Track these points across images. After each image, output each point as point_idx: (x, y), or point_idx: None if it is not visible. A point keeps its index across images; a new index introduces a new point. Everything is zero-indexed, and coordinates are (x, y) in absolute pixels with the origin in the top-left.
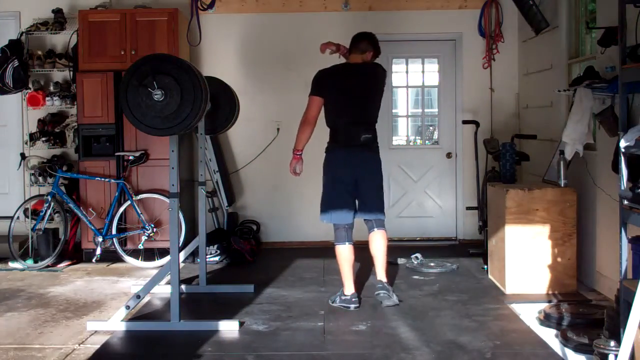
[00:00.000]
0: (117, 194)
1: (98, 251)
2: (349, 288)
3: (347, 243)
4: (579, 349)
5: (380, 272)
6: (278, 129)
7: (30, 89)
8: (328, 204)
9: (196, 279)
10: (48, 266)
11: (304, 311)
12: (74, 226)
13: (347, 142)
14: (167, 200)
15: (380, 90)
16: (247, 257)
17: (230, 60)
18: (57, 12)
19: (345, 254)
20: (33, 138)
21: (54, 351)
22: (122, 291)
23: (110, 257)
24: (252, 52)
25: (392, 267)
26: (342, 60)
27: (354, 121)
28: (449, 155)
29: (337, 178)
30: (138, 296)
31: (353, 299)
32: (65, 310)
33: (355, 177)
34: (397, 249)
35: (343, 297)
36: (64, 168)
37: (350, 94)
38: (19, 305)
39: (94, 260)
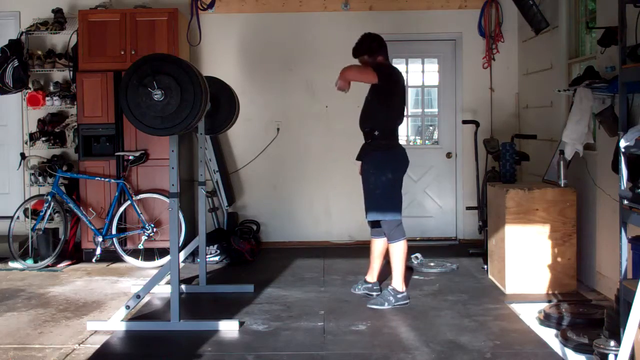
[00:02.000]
0: (117, 193)
1: (98, 251)
2: (404, 284)
3: None
4: (579, 349)
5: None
6: (278, 129)
7: (30, 88)
8: (397, 200)
9: (196, 279)
10: (48, 266)
11: (304, 311)
12: (74, 226)
13: (399, 140)
14: (167, 200)
15: None
16: (247, 257)
17: (230, 60)
18: (57, 12)
19: (406, 248)
20: (33, 138)
21: (54, 351)
22: (122, 291)
23: (110, 257)
24: (252, 52)
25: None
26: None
27: (400, 123)
28: (449, 155)
29: (401, 176)
30: (138, 296)
31: (407, 295)
32: (65, 310)
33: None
34: None
35: (400, 295)
36: (64, 168)
37: (405, 98)
38: (19, 305)
39: (94, 260)
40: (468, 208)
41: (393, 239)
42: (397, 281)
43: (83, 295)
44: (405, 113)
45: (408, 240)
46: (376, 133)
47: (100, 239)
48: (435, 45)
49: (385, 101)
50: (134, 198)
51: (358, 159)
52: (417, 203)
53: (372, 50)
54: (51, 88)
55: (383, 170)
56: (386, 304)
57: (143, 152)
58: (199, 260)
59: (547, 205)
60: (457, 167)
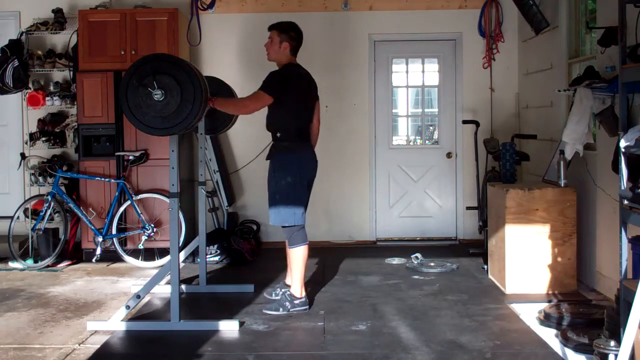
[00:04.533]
0: (117, 193)
1: (98, 251)
2: (303, 290)
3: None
4: (579, 349)
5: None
6: None
7: (30, 88)
8: (296, 205)
9: (196, 279)
10: (48, 266)
11: (304, 311)
12: (74, 226)
13: (307, 142)
14: (167, 200)
15: None
16: (247, 257)
17: (230, 60)
18: (57, 12)
19: (307, 253)
20: (33, 138)
21: (54, 351)
22: (122, 291)
23: (110, 257)
24: (252, 52)
25: (390, 266)
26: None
27: (308, 123)
28: (449, 155)
29: (306, 178)
30: (138, 296)
31: (306, 301)
32: (65, 310)
33: (313, 177)
34: (397, 248)
35: (297, 301)
36: (64, 168)
37: (309, 95)
38: (19, 305)
39: (94, 260)
40: (468, 208)
41: (293, 243)
42: (296, 287)
43: (83, 295)
44: (308, 112)
45: (408, 240)
46: (278, 135)
47: (100, 239)
48: (435, 45)
49: (281, 104)
50: (134, 198)
51: (267, 159)
52: (417, 203)
53: (285, 34)
54: (51, 88)
55: (283, 173)
56: (281, 309)
57: (143, 152)
58: (199, 260)
59: (547, 205)
60: (457, 167)
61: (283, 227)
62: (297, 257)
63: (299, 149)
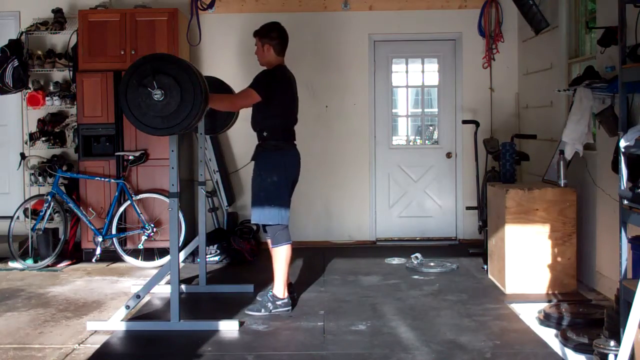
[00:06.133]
0: (117, 193)
1: (98, 251)
2: (285, 291)
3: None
4: (579, 348)
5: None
6: None
7: (30, 88)
8: (281, 204)
9: (196, 279)
10: (48, 266)
11: (304, 311)
12: (74, 226)
13: (293, 142)
14: (167, 200)
15: None
16: (247, 256)
17: (230, 60)
18: (57, 12)
19: (290, 253)
20: (33, 138)
21: (54, 351)
22: (122, 291)
23: (110, 257)
24: (252, 52)
25: (390, 266)
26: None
27: (293, 123)
28: (449, 155)
29: (291, 178)
30: (138, 296)
31: (289, 302)
32: (65, 310)
33: (297, 177)
34: (397, 248)
35: (280, 302)
36: (64, 168)
37: (295, 96)
38: (19, 305)
39: (93, 260)
40: (468, 208)
41: (276, 243)
42: (278, 287)
43: (83, 295)
44: (293, 113)
45: (408, 240)
46: (265, 134)
47: (100, 238)
48: (435, 45)
49: (269, 103)
50: (133, 198)
51: (253, 159)
52: (417, 203)
53: (265, 37)
54: (51, 88)
55: (269, 172)
56: (263, 310)
57: (143, 152)
58: (199, 260)
59: (547, 205)
60: (457, 167)
61: (265, 225)
62: (281, 257)
63: (285, 149)
